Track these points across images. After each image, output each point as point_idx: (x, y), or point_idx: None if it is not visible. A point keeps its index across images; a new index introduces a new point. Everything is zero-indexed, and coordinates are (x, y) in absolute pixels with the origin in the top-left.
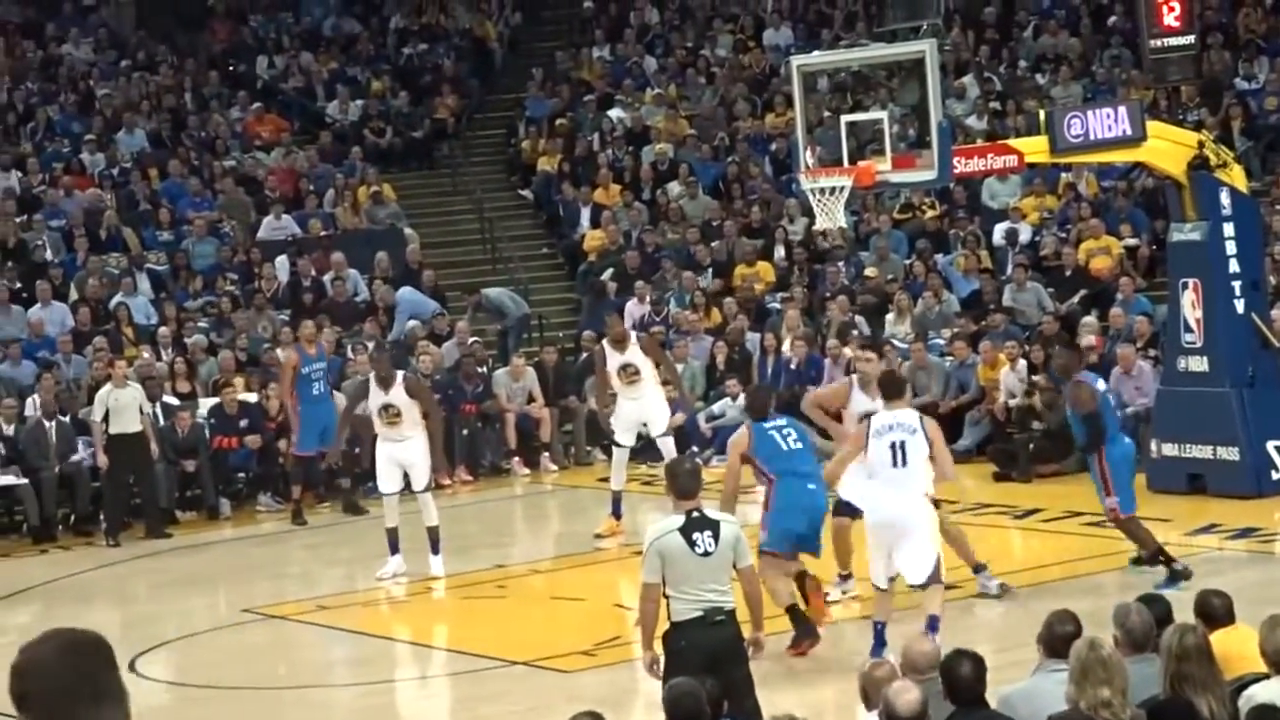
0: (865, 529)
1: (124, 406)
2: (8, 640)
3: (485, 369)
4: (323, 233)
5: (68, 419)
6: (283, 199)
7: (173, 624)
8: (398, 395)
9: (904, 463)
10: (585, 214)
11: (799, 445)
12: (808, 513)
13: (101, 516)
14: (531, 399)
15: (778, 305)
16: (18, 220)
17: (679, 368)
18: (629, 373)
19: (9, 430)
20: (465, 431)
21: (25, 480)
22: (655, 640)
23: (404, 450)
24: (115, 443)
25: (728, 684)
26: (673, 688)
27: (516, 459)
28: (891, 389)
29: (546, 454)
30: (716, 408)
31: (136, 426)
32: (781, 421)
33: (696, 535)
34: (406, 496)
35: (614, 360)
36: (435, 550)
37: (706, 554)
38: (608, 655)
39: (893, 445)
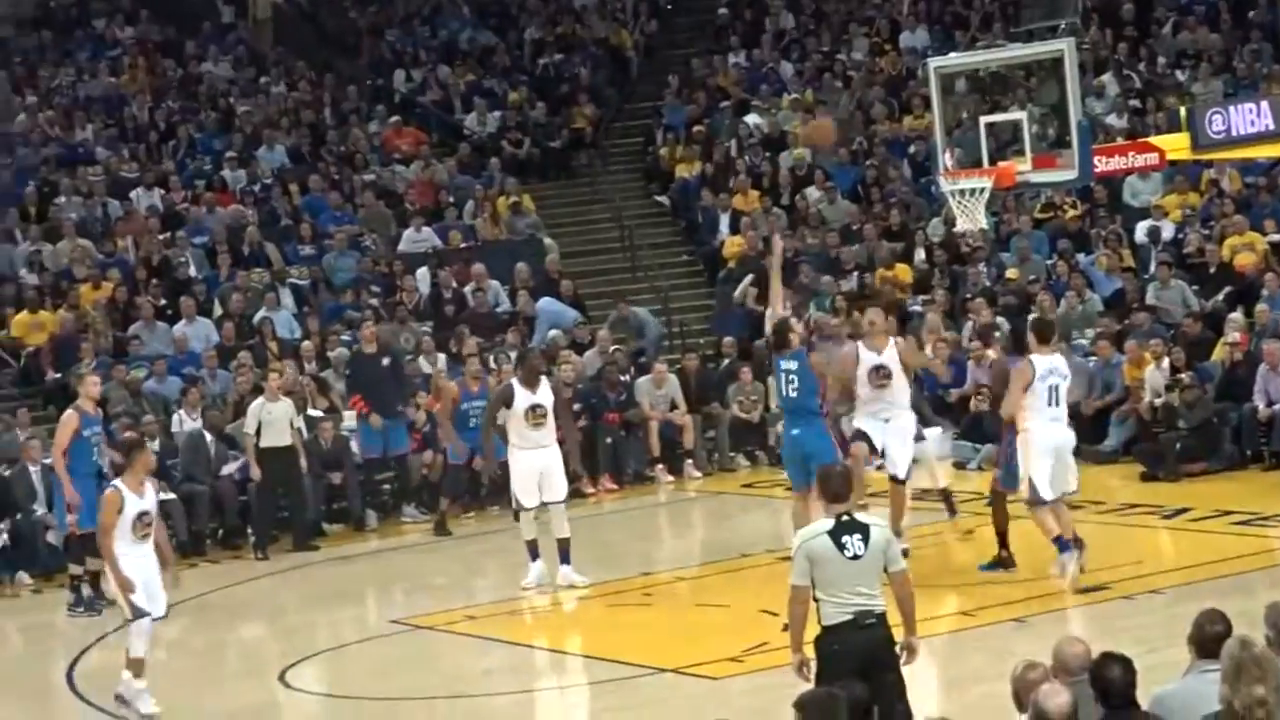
0: (1033, 456)
1: (276, 420)
2: (161, 655)
3: (628, 377)
4: (463, 244)
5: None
6: (422, 211)
7: (322, 635)
8: (545, 394)
9: (1057, 403)
10: (724, 220)
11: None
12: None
13: (249, 530)
14: (674, 406)
15: (919, 308)
16: (161, 237)
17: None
18: (880, 375)
19: (154, 446)
20: (609, 440)
21: (174, 495)
22: (805, 644)
23: (544, 458)
24: (266, 456)
25: (878, 688)
26: (805, 696)
27: (660, 466)
28: (1044, 333)
29: (690, 461)
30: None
31: (287, 440)
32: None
33: (846, 538)
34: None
35: (868, 360)
36: (566, 560)
37: (856, 557)
38: (755, 661)
39: (1051, 388)
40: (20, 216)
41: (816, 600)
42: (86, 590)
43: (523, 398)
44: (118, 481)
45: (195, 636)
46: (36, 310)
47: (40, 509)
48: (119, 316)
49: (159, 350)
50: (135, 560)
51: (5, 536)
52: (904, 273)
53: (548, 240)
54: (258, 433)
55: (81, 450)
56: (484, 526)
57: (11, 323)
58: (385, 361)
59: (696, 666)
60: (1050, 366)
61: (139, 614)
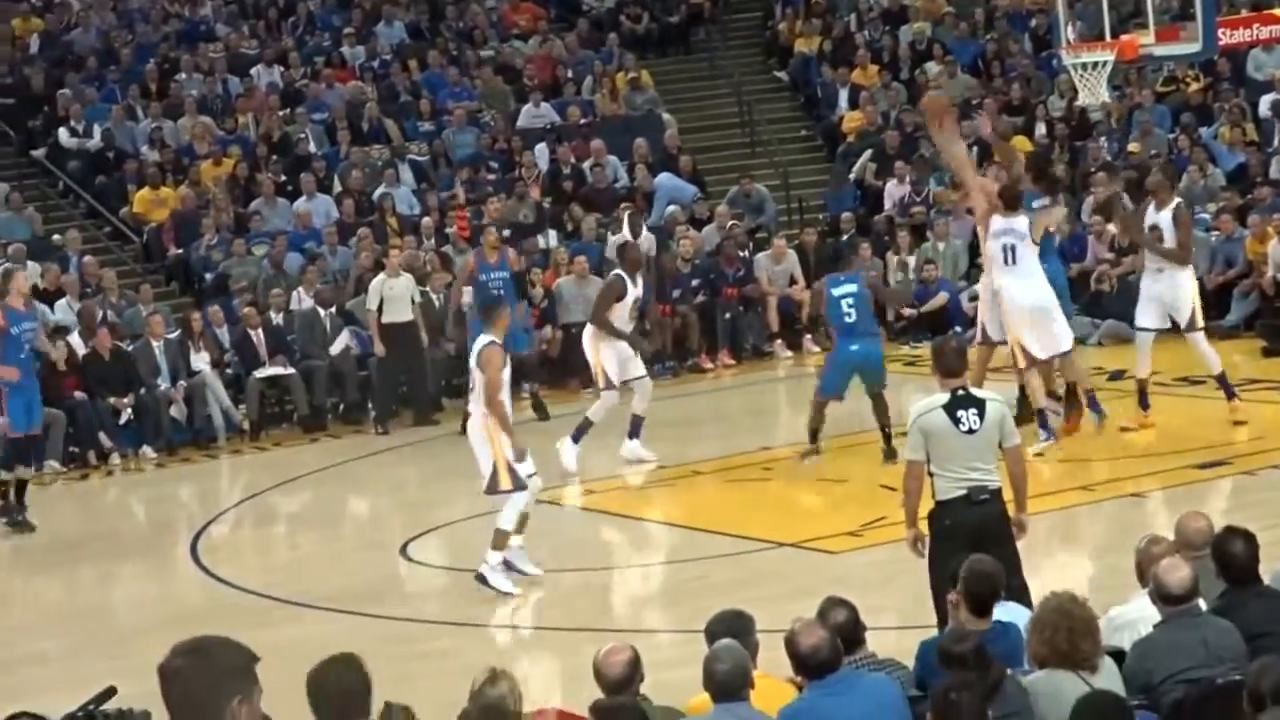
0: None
1: (397, 296)
2: (280, 530)
3: (746, 253)
4: (581, 120)
5: (333, 309)
6: (541, 87)
7: (443, 510)
8: (641, 287)
9: (1014, 261)
10: (843, 95)
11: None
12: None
13: (370, 405)
14: (793, 281)
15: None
16: (281, 114)
17: (939, 246)
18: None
19: (277, 320)
20: (727, 315)
21: (293, 370)
22: (920, 520)
23: (627, 346)
24: (388, 331)
25: None
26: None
27: (779, 341)
28: (1012, 201)
29: (809, 336)
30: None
31: (408, 315)
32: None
33: (961, 413)
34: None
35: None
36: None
37: (971, 431)
38: (874, 536)
39: (1006, 247)
40: (141, 93)
41: (931, 475)
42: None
43: (631, 292)
44: (494, 338)
45: (318, 510)
46: (158, 187)
47: (164, 384)
48: (239, 193)
49: (279, 226)
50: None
51: (129, 411)
52: (1021, 143)
53: (666, 116)
54: (380, 309)
55: (12, 348)
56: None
57: (133, 199)
58: (505, 233)
59: (815, 541)
60: (1007, 226)
61: (520, 485)
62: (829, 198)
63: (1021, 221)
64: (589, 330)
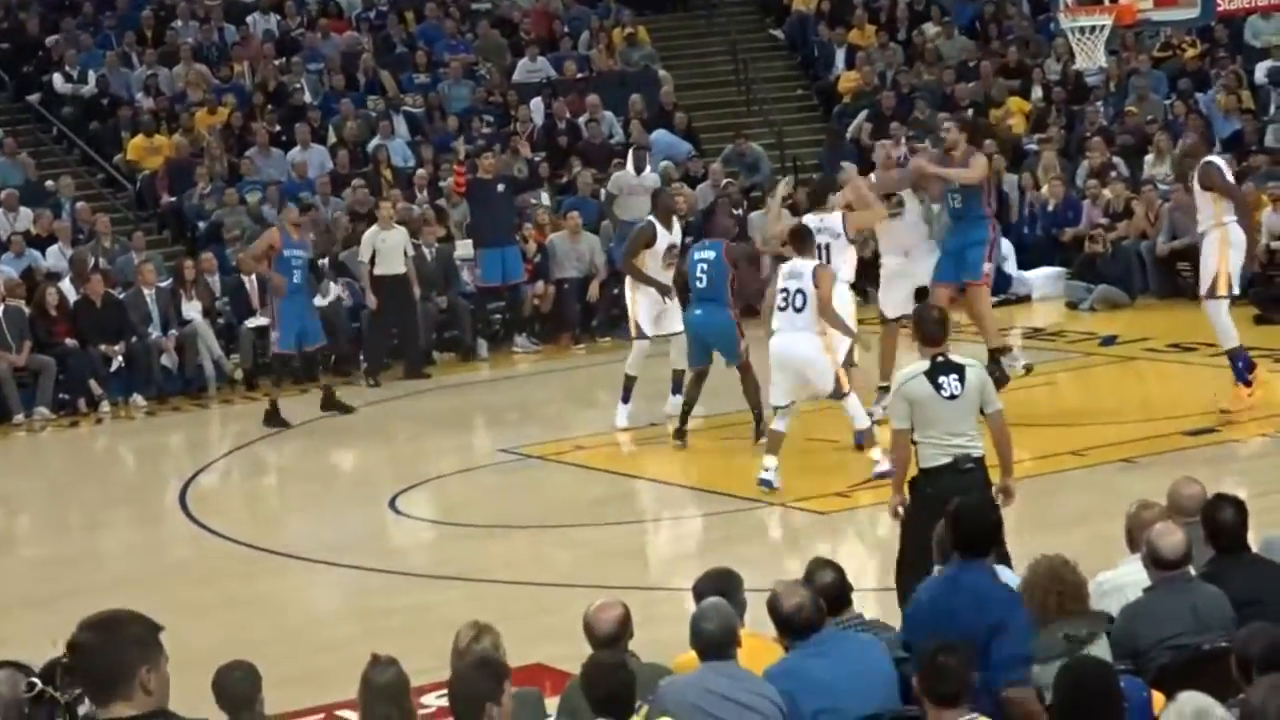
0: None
1: (390, 248)
2: (270, 481)
3: (740, 211)
4: (578, 75)
5: (325, 260)
6: (538, 41)
7: (432, 463)
8: (678, 233)
9: (828, 259)
10: (840, 55)
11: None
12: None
13: (362, 357)
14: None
15: (1034, 146)
16: (276, 63)
17: (934, 208)
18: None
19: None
20: None
21: None
22: (904, 485)
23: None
24: (380, 284)
25: None
26: (961, 504)
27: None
28: (818, 197)
29: None
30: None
31: (401, 268)
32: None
33: (942, 379)
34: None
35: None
36: (680, 390)
37: (953, 397)
38: (862, 497)
39: (821, 246)
40: (136, 40)
41: (915, 443)
42: None
43: (663, 238)
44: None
45: (308, 462)
46: (152, 134)
47: (155, 332)
48: (234, 142)
49: (273, 176)
50: None
51: (120, 359)
52: (1018, 104)
53: (662, 72)
54: (372, 261)
55: None
56: (594, 358)
57: (127, 146)
58: (500, 188)
59: (805, 500)
60: (820, 224)
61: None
62: (824, 157)
63: (834, 218)
64: (628, 279)
